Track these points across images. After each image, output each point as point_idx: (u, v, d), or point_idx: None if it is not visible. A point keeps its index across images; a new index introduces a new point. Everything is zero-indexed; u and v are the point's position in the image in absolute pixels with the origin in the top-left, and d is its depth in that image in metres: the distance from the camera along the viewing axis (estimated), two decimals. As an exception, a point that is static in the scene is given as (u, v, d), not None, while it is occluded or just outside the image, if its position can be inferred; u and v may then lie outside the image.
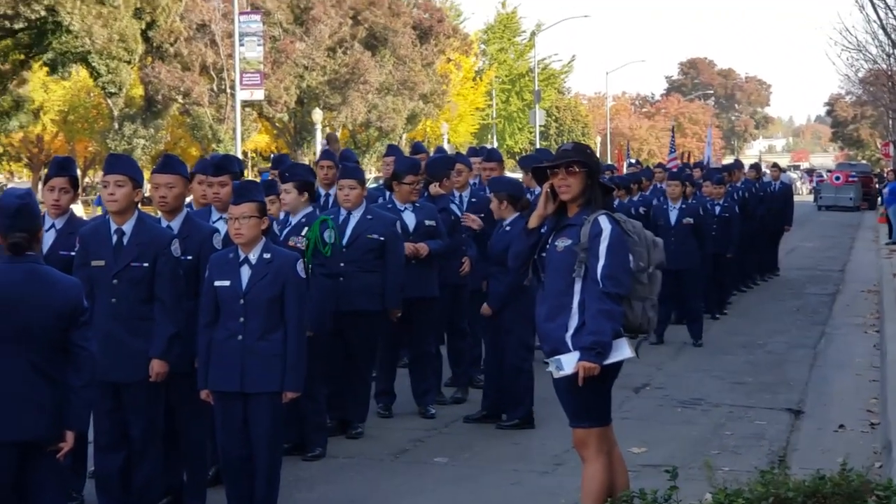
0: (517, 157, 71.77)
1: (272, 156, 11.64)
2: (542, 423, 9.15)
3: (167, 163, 7.29)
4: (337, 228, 8.47)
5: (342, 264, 8.70)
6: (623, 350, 5.76)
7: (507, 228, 9.07)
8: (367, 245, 8.92)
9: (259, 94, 41.48)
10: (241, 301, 6.59)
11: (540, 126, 66.81)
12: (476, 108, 65.85)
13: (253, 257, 6.64)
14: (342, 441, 8.74)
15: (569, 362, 5.70)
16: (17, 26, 33.54)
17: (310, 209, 8.47)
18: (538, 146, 59.16)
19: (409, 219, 9.58)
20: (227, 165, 8.05)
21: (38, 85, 46.21)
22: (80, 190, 7.33)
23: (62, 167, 7.28)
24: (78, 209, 38.76)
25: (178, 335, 6.63)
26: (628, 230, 5.83)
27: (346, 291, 8.76)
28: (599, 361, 5.62)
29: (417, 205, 9.72)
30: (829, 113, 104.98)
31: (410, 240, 9.40)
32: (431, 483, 7.84)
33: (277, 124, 50.14)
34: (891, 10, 19.52)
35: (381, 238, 8.98)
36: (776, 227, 20.60)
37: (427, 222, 9.64)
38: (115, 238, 6.66)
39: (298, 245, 8.05)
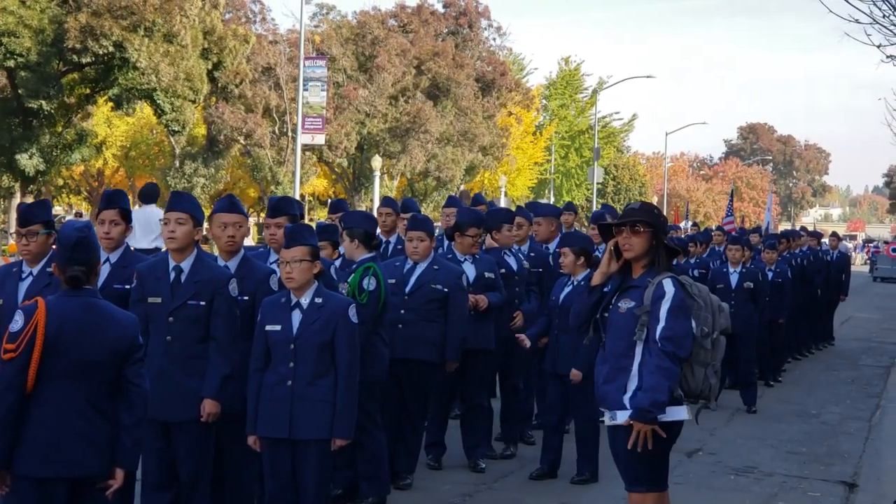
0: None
1: (329, 201, 11.66)
2: (596, 483, 9.05)
3: (234, 202, 7.30)
4: (380, 276, 8.33)
5: (402, 312, 8.65)
6: (681, 412, 5.67)
7: (581, 283, 8.97)
8: (431, 295, 8.84)
9: (320, 139, 41.70)
10: (292, 346, 6.53)
11: (598, 183, 66.71)
12: (535, 163, 65.86)
13: (304, 301, 6.59)
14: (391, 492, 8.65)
15: (623, 415, 5.65)
16: (84, 60, 33.97)
17: (368, 255, 8.39)
18: (595, 203, 59.06)
19: (470, 270, 9.51)
20: (284, 207, 8.04)
21: (102, 119, 46.79)
22: (131, 223, 7.25)
23: (111, 200, 7.18)
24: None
25: (231, 376, 6.61)
26: (693, 294, 5.75)
27: (405, 340, 8.70)
28: (654, 419, 5.52)
29: (478, 257, 9.68)
30: (887, 184, 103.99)
31: (470, 291, 9.34)
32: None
33: (336, 169, 50.39)
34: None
35: (445, 289, 8.92)
36: (832, 296, 20.37)
37: (487, 274, 9.57)
38: (172, 275, 6.67)
39: (342, 292, 8.00)
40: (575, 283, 9.11)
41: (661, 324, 5.61)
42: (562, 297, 9.18)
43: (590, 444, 9.14)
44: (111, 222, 7.04)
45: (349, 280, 8.07)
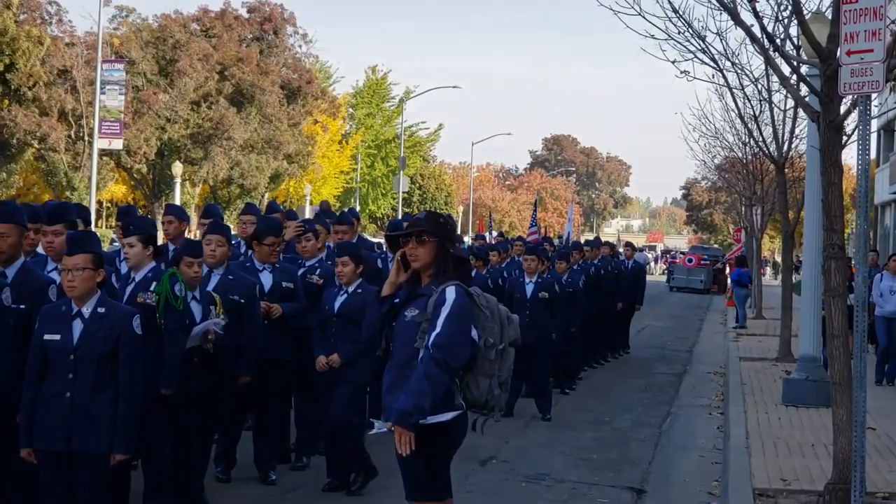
0: (379, 223, 72.00)
1: (119, 207, 11.33)
2: (386, 492, 8.97)
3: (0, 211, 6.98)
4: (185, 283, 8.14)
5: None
6: (443, 416, 5.59)
7: (359, 292, 8.97)
8: (226, 305, 8.64)
9: (118, 144, 40.81)
10: (72, 356, 6.27)
11: (403, 193, 67.04)
12: (340, 171, 65.87)
13: (86, 311, 6.34)
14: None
15: (380, 425, 5.61)
16: None
17: (153, 264, 8.11)
18: (400, 212, 59.32)
19: (267, 279, 9.46)
20: (61, 214, 7.76)
21: None
22: None
23: None
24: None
25: (2, 390, 6.30)
26: (480, 304, 5.72)
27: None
28: (413, 425, 5.45)
29: (277, 265, 9.58)
30: (685, 196, 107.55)
31: (265, 300, 9.25)
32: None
33: (136, 175, 49.32)
34: (749, 100, 20.02)
35: (242, 300, 8.77)
36: (628, 306, 20.83)
37: (284, 284, 9.52)
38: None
39: (148, 301, 7.71)
40: (350, 291, 9.06)
41: (437, 330, 5.56)
42: (336, 305, 9.10)
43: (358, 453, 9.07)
44: None
45: (155, 289, 7.80)
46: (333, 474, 9.19)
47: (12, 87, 39.54)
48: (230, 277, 8.89)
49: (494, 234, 31.89)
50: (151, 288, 7.82)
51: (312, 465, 9.90)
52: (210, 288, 8.67)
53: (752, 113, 20.33)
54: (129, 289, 7.85)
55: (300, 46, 58.32)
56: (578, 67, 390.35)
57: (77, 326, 6.32)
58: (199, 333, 7.83)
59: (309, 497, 9.03)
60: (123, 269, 8.31)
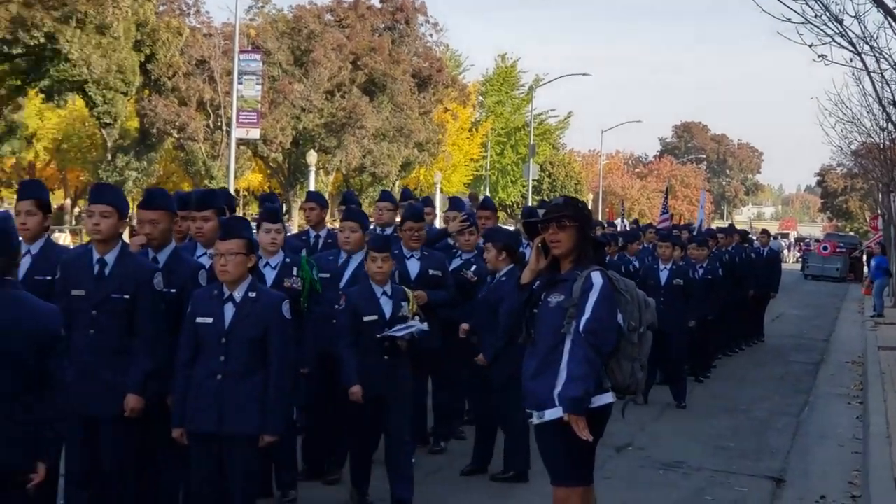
0: (508, 210, 71.97)
1: (260, 195, 11.52)
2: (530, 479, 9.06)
3: (150, 199, 7.18)
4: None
5: (336, 306, 8.50)
6: (607, 397, 5.66)
7: (503, 279, 8.97)
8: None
9: (255, 133, 41.50)
10: (223, 340, 6.43)
11: (533, 180, 66.88)
12: (470, 159, 65.94)
13: (238, 295, 6.51)
14: (316, 487, 8.61)
15: (553, 413, 5.62)
16: (15, 51, 33.50)
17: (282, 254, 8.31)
18: (530, 200, 59.26)
19: (414, 266, 9.46)
20: (210, 200, 7.95)
21: (34, 112, 46.18)
22: (51, 214, 7.09)
23: (26, 190, 7.04)
24: (65, 238, 38.60)
25: (155, 371, 6.51)
26: (620, 289, 5.74)
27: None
28: (584, 409, 5.50)
29: (425, 253, 9.61)
30: (819, 183, 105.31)
31: (412, 287, 9.24)
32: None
33: (272, 164, 50.12)
34: (888, 84, 19.57)
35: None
36: (763, 293, 20.57)
37: (432, 271, 9.49)
38: (96, 268, 6.56)
39: (295, 286, 7.96)
40: (497, 278, 9.09)
41: (587, 315, 5.60)
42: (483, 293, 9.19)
43: (519, 440, 9.11)
44: (27, 213, 6.86)
45: (299, 274, 8.02)
46: (478, 462, 9.30)
47: (152, 77, 40.52)
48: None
49: (627, 221, 31.63)
50: (294, 273, 8.04)
51: (450, 451, 10.04)
52: (348, 272, 8.82)
53: (890, 97, 19.86)
54: (272, 274, 8.04)
55: (431, 35, 58.58)
56: (709, 54, 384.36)
57: (229, 310, 6.48)
58: (397, 335, 7.79)
59: (449, 481, 9.14)
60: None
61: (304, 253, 8.64)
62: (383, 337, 7.73)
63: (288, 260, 8.15)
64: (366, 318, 7.78)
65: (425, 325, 7.91)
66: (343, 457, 8.92)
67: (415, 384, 9.41)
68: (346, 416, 8.28)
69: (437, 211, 12.64)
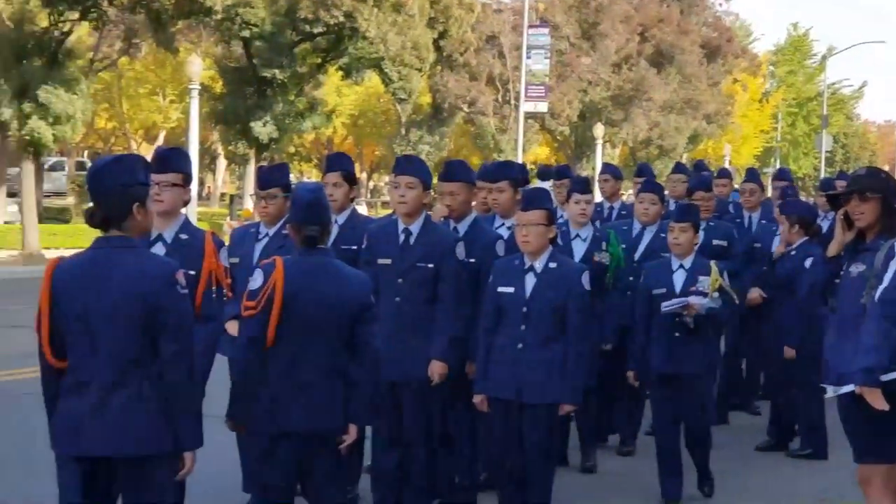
0: (800, 183, 69.94)
1: (554, 168, 11.51)
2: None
3: (449, 171, 7.36)
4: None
5: (631, 279, 8.47)
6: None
7: (793, 253, 8.76)
8: None
9: (542, 107, 41.80)
10: (524, 309, 6.51)
11: (826, 152, 64.73)
12: (760, 131, 64.36)
13: (539, 266, 6.56)
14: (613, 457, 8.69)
15: (847, 386, 5.47)
16: (316, 31, 34.79)
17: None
18: (822, 172, 57.36)
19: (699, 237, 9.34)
20: (504, 172, 8.07)
21: (333, 89, 47.86)
22: (356, 185, 7.36)
23: (333, 163, 7.36)
24: (362, 209, 39.99)
25: (458, 338, 6.66)
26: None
27: None
28: (877, 381, 5.31)
29: (711, 224, 9.48)
30: None
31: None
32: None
33: (559, 137, 50.32)
34: None
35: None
36: None
37: (716, 241, 9.35)
38: (402, 237, 6.75)
39: (603, 260, 8.03)
40: (788, 251, 8.86)
41: (884, 284, 5.39)
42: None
43: (813, 416, 8.88)
44: (334, 184, 7.15)
45: (607, 248, 8.10)
46: (775, 437, 9.15)
47: (445, 53, 41.31)
48: (662, 235, 8.76)
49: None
50: (603, 247, 8.10)
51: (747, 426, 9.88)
52: (642, 245, 8.81)
53: None
54: (582, 247, 8.13)
55: (720, 5, 57.45)
56: None
57: (530, 280, 6.55)
58: (680, 304, 7.44)
59: (739, 457, 8.99)
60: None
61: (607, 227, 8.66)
62: (668, 311, 7.46)
63: (598, 234, 8.22)
64: (655, 291, 7.59)
65: (713, 303, 7.41)
66: (635, 429, 9.00)
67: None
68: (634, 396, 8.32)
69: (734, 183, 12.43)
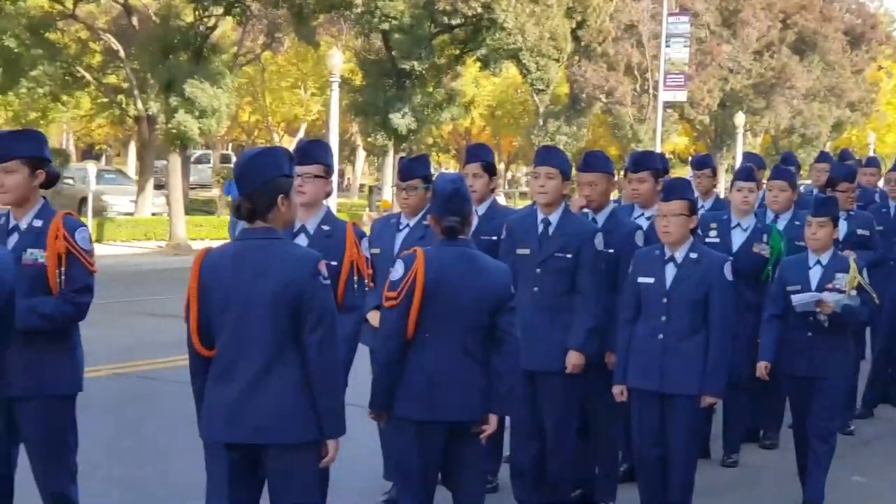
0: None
1: (693, 157, 11.34)
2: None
3: (588, 161, 7.34)
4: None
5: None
6: None
7: None
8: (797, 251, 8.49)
9: (682, 96, 41.33)
10: (665, 300, 6.48)
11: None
12: (907, 118, 62.65)
13: (679, 256, 6.52)
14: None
15: None
16: (454, 22, 34.95)
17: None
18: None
19: (842, 227, 8.98)
20: (645, 162, 8.01)
21: (471, 80, 48.03)
22: (496, 176, 7.41)
23: (475, 153, 7.43)
24: (500, 200, 40.04)
25: (596, 328, 6.65)
26: None
27: None
28: None
29: (852, 213, 9.32)
30: None
31: (839, 248, 8.91)
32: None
33: (698, 126, 49.67)
34: None
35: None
36: None
37: (860, 231, 9.22)
38: (541, 228, 6.76)
39: (763, 253, 7.96)
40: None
41: None
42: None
43: None
44: (474, 175, 7.22)
45: (768, 241, 8.04)
46: None
47: (582, 43, 41.09)
48: (797, 223, 8.58)
49: None
50: (764, 239, 8.01)
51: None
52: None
53: None
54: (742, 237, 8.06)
55: (864, -10, 56.00)
56: None
57: (670, 271, 6.51)
58: (812, 298, 7.04)
59: (779, 477, 8.45)
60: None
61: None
62: (799, 305, 7.05)
63: (759, 225, 8.14)
64: (789, 288, 7.20)
65: (849, 300, 6.99)
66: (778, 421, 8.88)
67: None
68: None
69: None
